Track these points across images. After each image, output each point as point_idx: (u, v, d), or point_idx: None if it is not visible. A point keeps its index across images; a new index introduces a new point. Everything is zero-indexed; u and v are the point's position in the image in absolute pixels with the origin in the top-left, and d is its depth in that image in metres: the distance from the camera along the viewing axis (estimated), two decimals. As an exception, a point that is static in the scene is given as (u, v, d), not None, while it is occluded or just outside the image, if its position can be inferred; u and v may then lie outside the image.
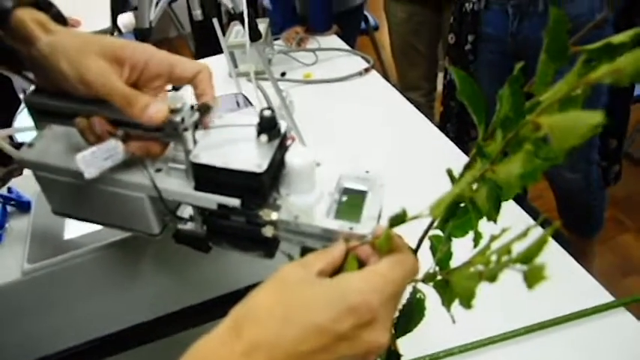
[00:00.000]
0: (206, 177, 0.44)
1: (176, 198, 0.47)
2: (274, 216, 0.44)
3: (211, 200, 0.45)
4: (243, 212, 0.45)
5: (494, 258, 0.32)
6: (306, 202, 0.44)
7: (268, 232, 0.45)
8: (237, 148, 0.44)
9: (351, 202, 0.45)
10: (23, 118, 1.27)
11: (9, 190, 0.64)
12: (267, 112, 0.43)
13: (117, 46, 0.46)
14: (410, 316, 0.46)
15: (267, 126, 0.43)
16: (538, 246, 0.27)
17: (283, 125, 0.45)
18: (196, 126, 0.45)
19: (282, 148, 0.45)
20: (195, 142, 0.45)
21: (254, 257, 0.48)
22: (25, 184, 0.62)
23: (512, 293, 0.75)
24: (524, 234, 0.32)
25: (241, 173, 0.42)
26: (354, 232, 0.41)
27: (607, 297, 0.76)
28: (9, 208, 0.64)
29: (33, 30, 0.45)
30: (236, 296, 0.58)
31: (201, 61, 1.70)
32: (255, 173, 0.42)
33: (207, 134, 0.46)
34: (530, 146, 0.31)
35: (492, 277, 0.29)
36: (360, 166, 0.46)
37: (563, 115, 0.27)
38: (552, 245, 0.84)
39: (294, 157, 0.43)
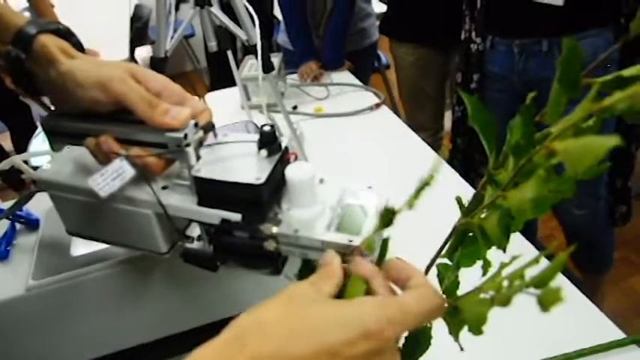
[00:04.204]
0: (207, 191, 0.45)
1: (180, 214, 0.47)
2: (275, 230, 0.44)
3: (213, 215, 0.46)
4: (244, 227, 0.45)
5: (505, 283, 0.31)
6: (306, 216, 0.44)
7: (270, 246, 0.45)
8: (237, 162, 0.45)
9: (353, 217, 0.45)
10: (38, 143, 1.30)
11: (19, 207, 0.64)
12: (267, 128, 0.45)
13: (135, 68, 0.48)
14: (415, 344, 0.45)
15: (267, 141, 0.44)
16: (553, 269, 0.26)
17: (284, 141, 0.46)
18: (200, 143, 0.47)
19: (283, 163, 0.46)
20: (198, 158, 0.46)
21: (261, 274, 0.48)
22: (35, 203, 0.62)
23: (522, 328, 0.75)
24: (536, 260, 0.32)
25: (240, 185, 0.43)
26: (353, 244, 0.41)
27: (619, 334, 0.74)
28: (17, 226, 0.64)
29: (55, 54, 0.47)
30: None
31: (215, 93, 1.73)
32: (254, 185, 0.43)
33: (210, 151, 0.47)
34: (543, 172, 0.31)
35: (505, 302, 0.29)
36: (362, 182, 0.47)
37: (577, 140, 0.27)
38: (563, 281, 0.82)
39: (294, 171, 0.43)
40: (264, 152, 0.45)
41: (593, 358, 0.71)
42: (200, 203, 0.46)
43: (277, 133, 0.46)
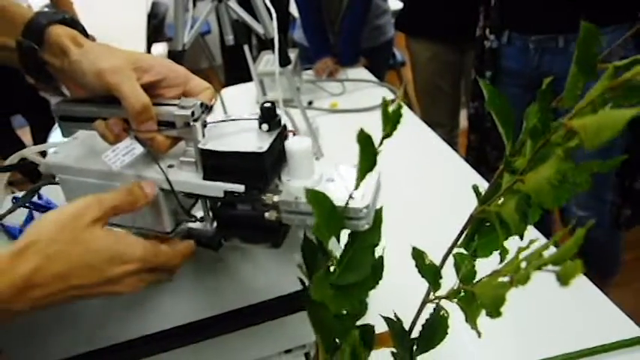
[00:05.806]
0: (213, 163, 0.48)
1: (186, 189, 0.50)
2: (276, 198, 0.47)
3: (218, 188, 0.48)
4: (247, 198, 0.48)
5: (523, 265, 0.31)
6: (305, 186, 0.46)
7: (272, 216, 0.47)
8: (241, 136, 0.49)
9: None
10: (56, 137, 1.32)
11: (39, 197, 0.65)
12: (267, 104, 0.48)
13: (141, 56, 0.50)
14: (432, 333, 0.45)
15: (268, 116, 0.48)
16: (572, 245, 0.26)
17: (283, 118, 0.49)
18: (205, 124, 0.50)
19: (282, 138, 0.49)
20: (203, 135, 0.49)
21: (263, 249, 0.51)
22: (55, 192, 0.63)
23: (538, 322, 0.74)
24: (553, 242, 0.32)
25: (244, 155, 0.46)
26: (350, 206, 0.44)
27: (635, 331, 0.73)
28: (38, 215, 0.65)
29: (67, 44, 0.49)
30: (251, 311, 0.58)
31: (231, 88, 1.74)
32: (257, 153, 0.46)
33: (215, 128, 0.50)
34: (561, 152, 0.31)
35: (524, 280, 0.28)
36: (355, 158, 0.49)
37: (594, 115, 0.27)
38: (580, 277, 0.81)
39: (293, 144, 0.47)
40: (265, 126, 0.48)
41: (609, 356, 0.70)
42: (205, 177, 0.49)
43: (277, 110, 0.49)
